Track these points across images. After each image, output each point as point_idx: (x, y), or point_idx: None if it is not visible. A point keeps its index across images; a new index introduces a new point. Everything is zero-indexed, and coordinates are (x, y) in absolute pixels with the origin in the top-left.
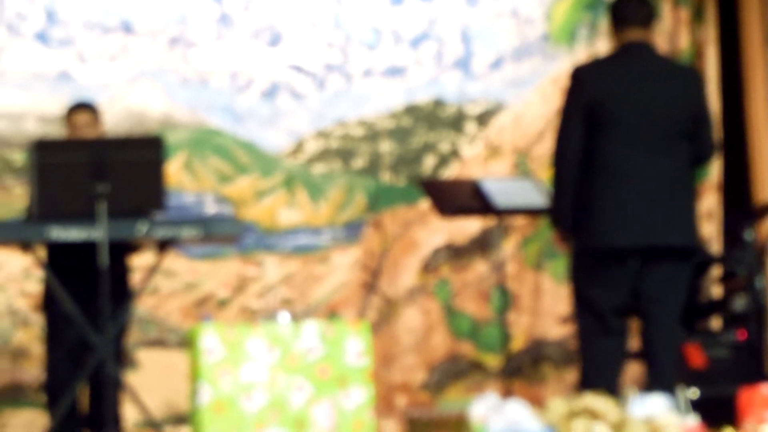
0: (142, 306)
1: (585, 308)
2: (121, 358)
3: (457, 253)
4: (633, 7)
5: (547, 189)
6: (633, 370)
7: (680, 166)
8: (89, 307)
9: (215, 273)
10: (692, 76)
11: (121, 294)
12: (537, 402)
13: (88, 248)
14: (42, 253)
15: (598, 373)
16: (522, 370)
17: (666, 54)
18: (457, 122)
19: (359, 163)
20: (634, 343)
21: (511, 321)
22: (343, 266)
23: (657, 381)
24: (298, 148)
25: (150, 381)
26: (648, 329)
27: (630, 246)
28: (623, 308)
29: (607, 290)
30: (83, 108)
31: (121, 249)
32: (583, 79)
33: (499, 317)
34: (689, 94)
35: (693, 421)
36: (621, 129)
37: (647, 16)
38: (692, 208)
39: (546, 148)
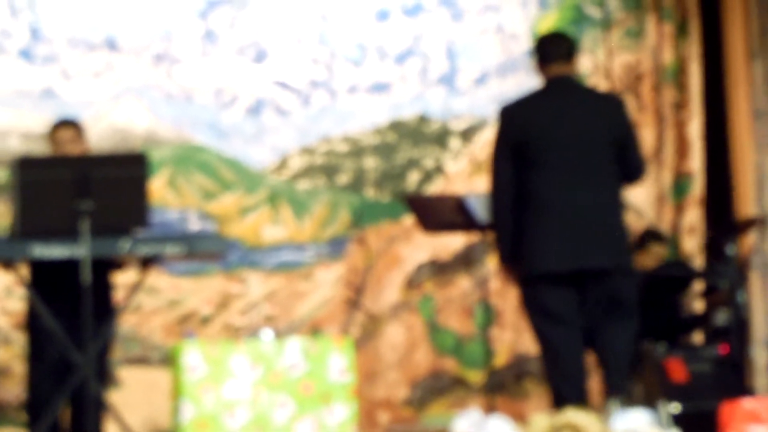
0: (125, 323)
1: (541, 328)
2: (104, 376)
3: (440, 269)
4: (554, 44)
5: None
6: None
7: (607, 190)
8: (72, 324)
9: (198, 290)
10: (614, 102)
11: (104, 311)
12: (520, 418)
13: (70, 266)
14: (24, 270)
15: (567, 384)
16: (505, 386)
17: (644, 73)
18: (441, 138)
19: (344, 179)
20: None
21: (494, 337)
22: (326, 283)
23: (611, 388)
24: (283, 164)
25: (132, 399)
26: (599, 342)
27: (562, 271)
28: (573, 328)
29: (553, 313)
30: (66, 125)
31: (104, 266)
32: (509, 117)
33: (482, 333)
34: (612, 119)
35: None
36: (547, 161)
37: (568, 50)
38: (622, 230)
39: None
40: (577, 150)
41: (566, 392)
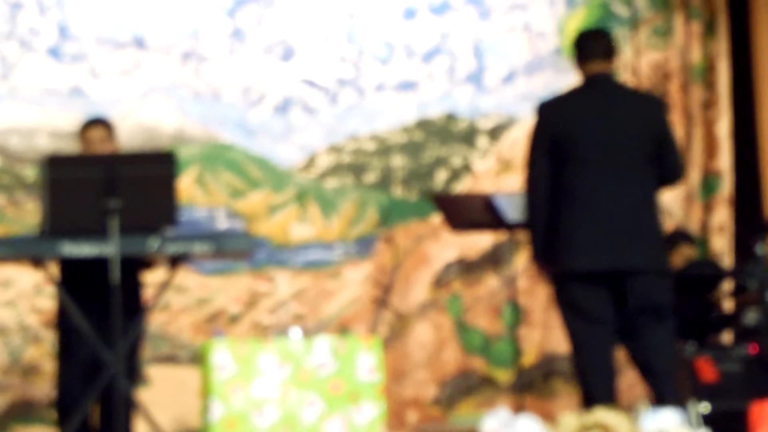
0: (154, 322)
1: (573, 327)
2: (134, 375)
3: (468, 268)
4: (594, 42)
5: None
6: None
7: (645, 191)
8: (102, 323)
9: (227, 288)
10: (654, 102)
11: (134, 310)
12: (548, 417)
13: (100, 264)
14: (54, 269)
15: (598, 384)
16: (533, 385)
17: (672, 72)
18: (469, 136)
19: (371, 177)
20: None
21: (522, 336)
22: (354, 281)
23: (663, 395)
24: (310, 162)
25: (161, 397)
26: (638, 346)
27: (597, 270)
28: (607, 327)
29: (586, 312)
30: (97, 124)
31: (135, 265)
32: (547, 114)
33: (510, 332)
34: (651, 120)
35: None
36: (585, 159)
37: (608, 48)
38: (656, 231)
39: None
40: (616, 148)
41: (596, 391)
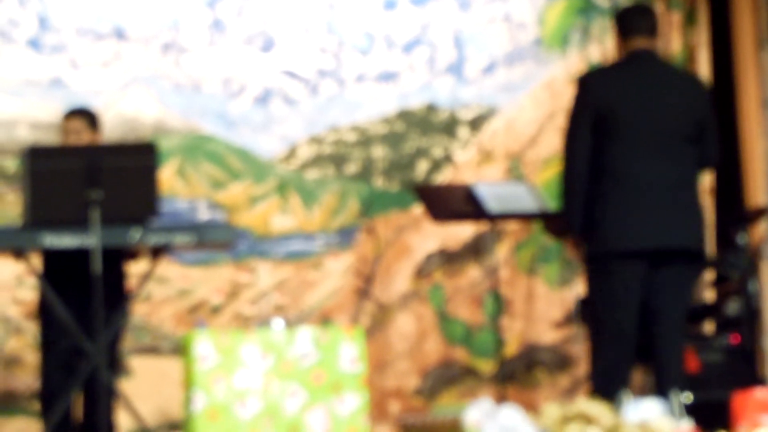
0: (136, 313)
1: (600, 311)
2: (116, 366)
3: (450, 259)
4: (639, 17)
5: (541, 194)
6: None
7: (686, 170)
8: (84, 314)
9: (208, 279)
10: (697, 83)
11: (117, 301)
12: (531, 407)
13: (82, 255)
14: (36, 260)
15: (610, 378)
16: (515, 376)
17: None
18: (449, 127)
19: (352, 168)
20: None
21: (504, 326)
22: (336, 272)
23: (666, 386)
24: (291, 153)
25: (143, 388)
26: (655, 333)
27: (639, 249)
28: (636, 311)
29: (620, 292)
30: (76, 114)
31: (118, 255)
32: (590, 86)
33: (492, 322)
34: (694, 100)
35: (687, 425)
36: (628, 135)
37: (652, 25)
38: (699, 211)
39: (539, 152)
40: (660, 127)
41: (612, 375)
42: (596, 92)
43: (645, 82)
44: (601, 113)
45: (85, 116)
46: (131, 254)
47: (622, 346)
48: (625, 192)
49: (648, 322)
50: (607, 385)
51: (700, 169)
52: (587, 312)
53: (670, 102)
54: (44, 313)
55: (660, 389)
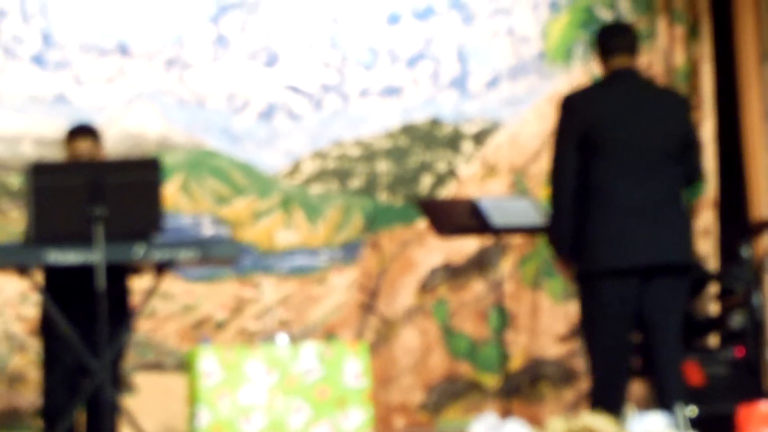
0: (140, 329)
1: (593, 328)
2: (118, 382)
3: (454, 273)
4: (618, 36)
5: (545, 208)
6: (633, 389)
7: (671, 187)
8: (87, 330)
9: (213, 295)
10: (679, 100)
11: (121, 317)
12: (536, 421)
13: (84, 271)
14: (39, 276)
15: (610, 391)
16: (520, 390)
17: (655, 75)
18: (453, 141)
19: (356, 183)
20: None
21: (509, 340)
22: (340, 287)
23: (667, 398)
24: (295, 168)
25: (148, 404)
26: (652, 346)
27: (628, 266)
28: (629, 326)
29: (612, 309)
30: (85, 133)
31: (121, 271)
32: (573, 106)
33: (497, 337)
34: (677, 117)
35: None
36: (613, 153)
37: (632, 43)
38: (687, 226)
39: (542, 166)
40: (644, 145)
41: (609, 392)
42: (580, 113)
43: (627, 100)
44: (586, 133)
45: (92, 134)
46: (135, 269)
47: (617, 361)
48: (612, 210)
49: (645, 337)
50: (604, 401)
51: (684, 186)
52: (581, 329)
53: (653, 120)
54: (47, 329)
55: (661, 402)
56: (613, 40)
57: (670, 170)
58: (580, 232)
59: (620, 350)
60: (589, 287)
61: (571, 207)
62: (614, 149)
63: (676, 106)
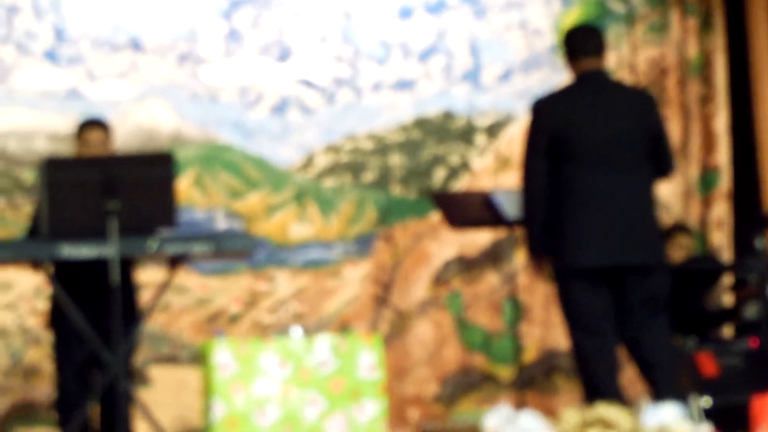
0: (154, 323)
1: (575, 323)
2: (131, 375)
3: (468, 266)
4: (584, 38)
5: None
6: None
7: (641, 185)
8: (96, 323)
9: (227, 289)
10: (646, 98)
11: (130, 310)
12: (550, 413)
13: (95, 265)
14: (51, 270)
15: (601, 380)
16: (534, 382)
17: (668, 68)
18: (466, 134)
19: (369, 176)
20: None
21: (523, 332)
22: (354, 280)
23: (662, 389)
24: (308, 162)
25: (162, 397)
26: (639, 345)
27: (600, 266)
28: (608, 324)
29: (588, 308)
30: (96, 126)
31: (128, 264)
32: (543, 110)
33: (511, 329)
34: (645, 115)
35: (706, 429)
36: (583, 155)
37: (599, 45)
38: (655, 226)
39: None
40: (613, 145)
41: (599, 388)
42: (549, 116)
43: (595, 102)
44: (555, 136)
45: (104, 127)
46: (135, 262)
47: (600, 358)
48: (582, 210)
49: (631, 337)
50: (594, 399)
51: (656, 180)
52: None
53: (622, 119)
54: (58, 322)
55: (657, 395)
56: (580, 42)
57: (641, 168)
58: (553, 232)
59: (603, 347)
60: (564, 287)
61: (543, 208)
62: (584, 150)
63: (644, 104)
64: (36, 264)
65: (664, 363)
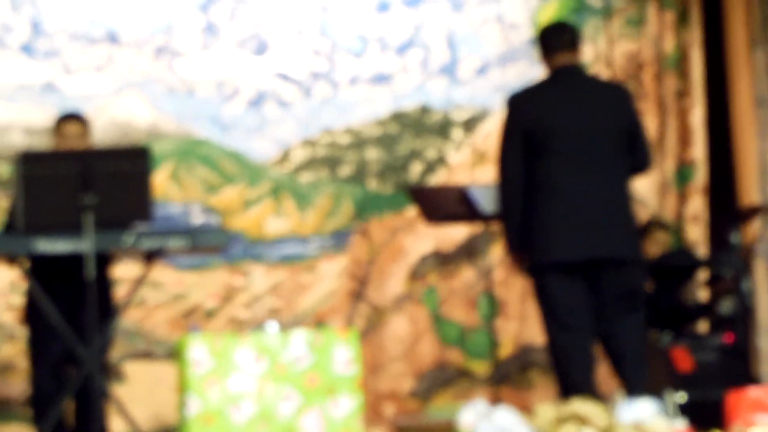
0: (129, 318)
1: (550, 319)
2: (105, 371)
3: (444, 260)
4: (558, 34)
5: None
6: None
7: (618, 181)
8: (71, 319)
9: (202, 284)
10: (622, 93)
11: (105, 305)
12: (525, 408)
13: (70, 260)
14: (27, 265)
15: (576, 375)
16: (510, 377)
17: (645, 62)
18: (443, 129)
19: (346, 171)
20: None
21: (498, 327)
22: (330, 275)
23: (634, 383)
24: (285, 156)
25: (137, 393)
26: (612, 339)
27: (575, 260)
28: (584, 318)
29: (563, 302)
30: (73, 119)
31: (103, 259)
32: (517, 106)
33: (486, 324)
34: (621, 110)
35: (681, 425)
36: (558, 150)
37: (572, 40)
38: (631, 220)
39: None
40: (589, 139)
41: (573, 383)
42: (524, 112)
43: (571, 97)
44: (530, 131)
45: (82, 121)
46: (112, 258)
47: (575, 353)
48: (558, 205)
49: (605, 331)
50: (569, 394)
51: (632, 175)
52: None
53: (597, 114)
54: (33, 318)
55: (629, 390)
56: (554, 38)
57: (617, 163)
58: (529, 227)
59: (578, 342)
60: (539, 281)
61: (520, 203)
62: (559, 145)
63: (619, 98)
64: (11, 259)
65: (635, 358)
